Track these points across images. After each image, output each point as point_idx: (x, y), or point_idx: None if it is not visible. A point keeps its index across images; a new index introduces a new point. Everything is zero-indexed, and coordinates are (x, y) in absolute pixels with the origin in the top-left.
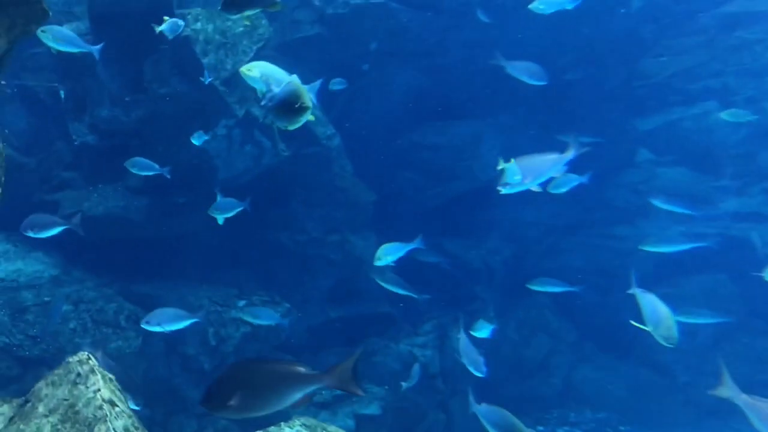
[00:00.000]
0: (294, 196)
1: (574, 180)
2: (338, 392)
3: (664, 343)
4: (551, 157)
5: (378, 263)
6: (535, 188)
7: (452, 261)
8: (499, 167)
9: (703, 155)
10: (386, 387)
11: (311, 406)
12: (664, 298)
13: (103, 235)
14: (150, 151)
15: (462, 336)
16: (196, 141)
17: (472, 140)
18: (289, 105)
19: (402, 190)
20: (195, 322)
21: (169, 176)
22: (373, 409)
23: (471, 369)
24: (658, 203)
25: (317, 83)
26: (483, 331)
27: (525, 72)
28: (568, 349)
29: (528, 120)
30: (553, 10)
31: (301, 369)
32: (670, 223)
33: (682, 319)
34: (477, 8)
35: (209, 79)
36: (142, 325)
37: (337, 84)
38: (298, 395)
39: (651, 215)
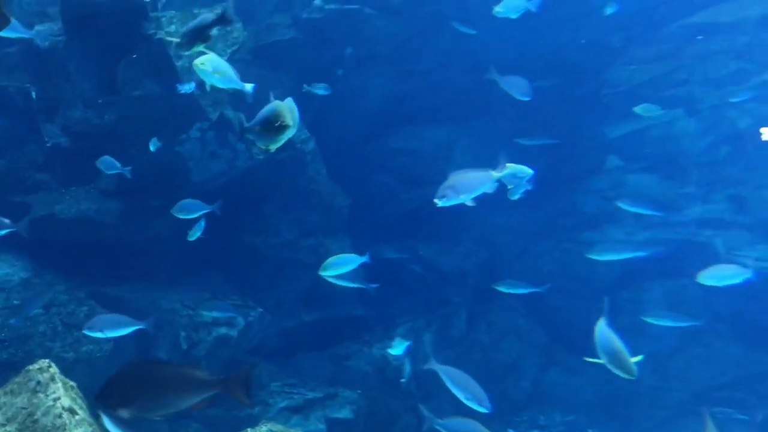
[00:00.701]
0: (268, 200)
1: (523, 187)
2: (310, 396)
3: (626, 376)
4: (483, 174)
5: (322, 273)
6: (469, 203)
7: (425, 265)
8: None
9: (670, 162)
10: (359, 391)
11: (283, 410)
12: (632, 302)
13: (74, 238)
14: (123, 154)
15: (443, 367)
16: (152, 147)
17: (445, 145)
18: (270, 124)
19: (376, 194)
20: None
21: (129, 176)
22: (345, 413)
23: (473, 405)
24: (624, 206)
25: (250, 86)
26: (398, 348)
27: (514, 87)
28: (538, 352)
29: (500, 126)
30: (514, 15)
31: (198, 374)
32: (637, 230)
33: (652, 320)
34: (452, 17)
35: (191, 89)
36: (84, 331)
37: (320, 89)
38: (193, 399)
39: (619, 221)
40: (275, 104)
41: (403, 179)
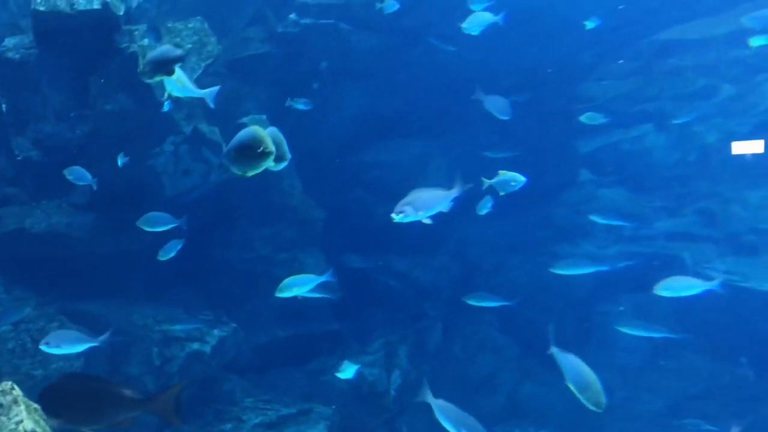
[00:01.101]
0: (242, 214)
1: (489, 202)
2: (284, 412)
3: (594, 408)
4: (440, 193)
5: (279, 294)
6: (426, 220)
7: (401, 279)
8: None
9: (640, 176)
10: (333, 407)
11: (257, 427)
12: (604, 315)
13: (45, 252)
14: (96, 168)
15: (438, 402)
16: (119, 162)
17: (420, 159)
18: (251, 150)
19: (351, 208)
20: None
21: (95, 188)
22: (319, 429)
23: None
24: (596, 219)
25: (215, 89)
26: (347, 372)
27: (496, 107)
28: (513, 366)
29: (475, 140)
30: (475, 31)
31: (127, 392)
32: (609, 243)
33: (628, 330)
34: (428, 33)
35: (168, 107)
36: (41, 347)
37: (302, 104)
38: (118, 417)
39: (592, 235)
40: (253, 129)
41: (378, 193)
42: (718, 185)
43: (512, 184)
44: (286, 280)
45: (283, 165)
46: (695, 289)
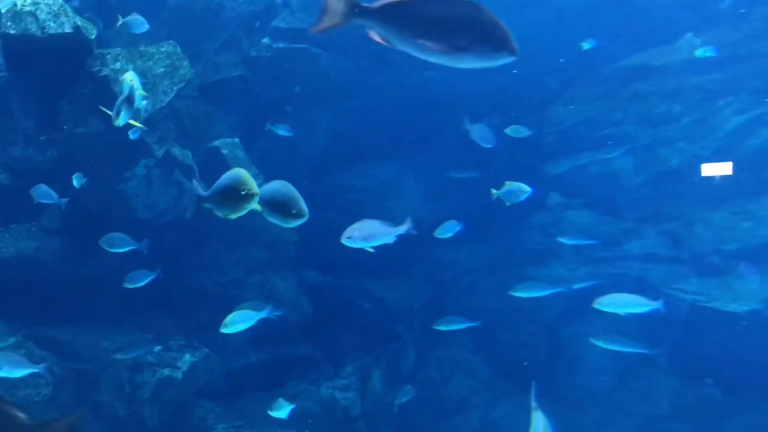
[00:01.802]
0: (214, 237)
1: (456, 226)
2: None
3: None
4: (388, 228)
5: (224, 330)
6: (368, 249)
7: (374, 302)
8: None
9: (608, 199)
10: (307, 431)
11: None
12: (576, 335)
13: (13, 277)
14: (67, 191)
15: None
16: (75, 183)
17: (393, 182)
18: (235, 192)
19: (324, 230)
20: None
21: (63, 208)
22: None
23: None
24: (564, 240)
25: (145, 104)
26: (282, 411)
27: (481, 135)
28: (486, 388)
29: (446, 163)
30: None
31: (21, 418)
32: (578, 265)
33: (602, 344)
34: (400, 58)
35: (138, 133)
36: None
37: (283, 129)
38: None
39: (562, 257)
40: (236, 171)
41: (350, 215)
42: (683, 207)
43: (518, 194)
44: (230, 316)
45: (300, 221)
46: (635, 308)
